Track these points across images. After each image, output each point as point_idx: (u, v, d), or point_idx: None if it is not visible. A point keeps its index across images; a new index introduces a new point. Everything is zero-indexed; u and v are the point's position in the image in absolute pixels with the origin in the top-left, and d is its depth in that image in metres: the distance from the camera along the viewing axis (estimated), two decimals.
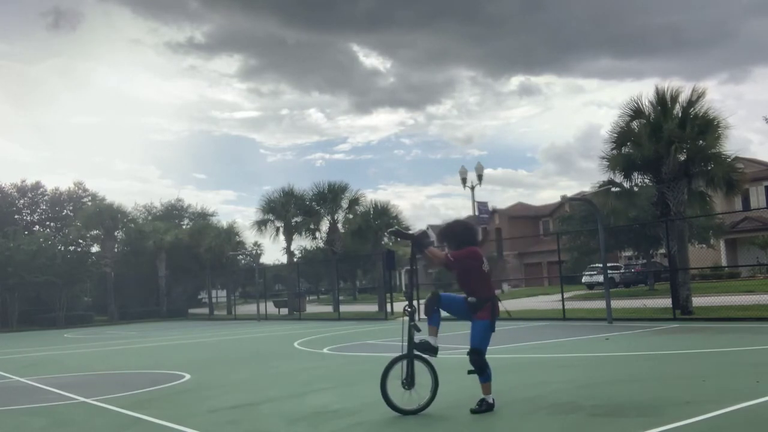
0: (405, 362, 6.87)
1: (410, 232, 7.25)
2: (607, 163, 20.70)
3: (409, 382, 6.83)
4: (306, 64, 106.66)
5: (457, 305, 6.91)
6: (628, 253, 47.25)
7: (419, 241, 7.12)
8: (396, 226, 8.10)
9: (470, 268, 6.84)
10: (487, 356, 6.81)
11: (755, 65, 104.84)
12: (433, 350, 6.85)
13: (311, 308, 41.87)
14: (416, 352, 6.89)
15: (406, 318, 6.93)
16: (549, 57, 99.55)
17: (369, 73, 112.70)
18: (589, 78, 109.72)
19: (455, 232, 7.09)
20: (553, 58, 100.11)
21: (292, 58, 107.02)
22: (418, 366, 6.94)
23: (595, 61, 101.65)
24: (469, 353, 6.80)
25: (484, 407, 6.73)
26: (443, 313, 6.98)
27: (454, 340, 11.31)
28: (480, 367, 6.76)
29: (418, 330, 6.89)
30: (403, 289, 66.62)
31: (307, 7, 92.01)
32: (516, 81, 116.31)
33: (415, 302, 7.20)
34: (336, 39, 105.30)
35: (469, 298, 6.80)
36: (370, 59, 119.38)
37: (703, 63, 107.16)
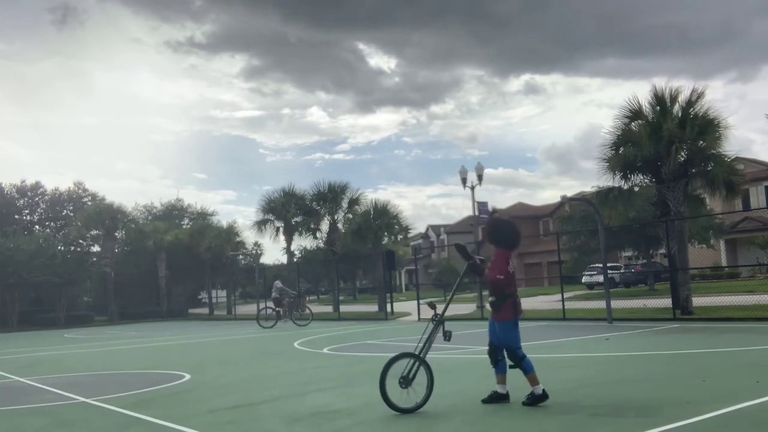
0: (413, 363, 6.97)
1: (473, 257, 7.39)
2: (607, 164, 20.67)
3: (406, 380, 6.89)
4: (310, 63, 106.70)
5: (497, 333, 7.13)
6: (628, 253, 47.24)
7: (475, 266, 7.26)
8: (459, 242, 8.31)
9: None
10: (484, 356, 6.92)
11: (765, 63, 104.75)
12: (506, 398, 7.13)
13: (311, 308, 41.73)
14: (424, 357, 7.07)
15: (431, 324, 7.13)
16: (556, 56, 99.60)
17: (374, 73, 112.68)
18: (596, 77, 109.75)
19: (501, 232, 7.31)
20: (561, 57, 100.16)
21: (296, 58, 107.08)
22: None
23: (602, 60, 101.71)
24: (507, 353, 7.11)
25: (530, 399, 6.93)
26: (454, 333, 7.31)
27: (461, 340, 11.32)
28: (517, 362, 7.04)
29: (448, 339, 7.05)
30: (404, 289, 66.61)
31: (312, 5, 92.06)
32: (522, 80, 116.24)
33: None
34: (341, 38, 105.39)
35: (490, 298, 7.13)
36: (375, 58, 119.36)
37: (710, 62, 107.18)
